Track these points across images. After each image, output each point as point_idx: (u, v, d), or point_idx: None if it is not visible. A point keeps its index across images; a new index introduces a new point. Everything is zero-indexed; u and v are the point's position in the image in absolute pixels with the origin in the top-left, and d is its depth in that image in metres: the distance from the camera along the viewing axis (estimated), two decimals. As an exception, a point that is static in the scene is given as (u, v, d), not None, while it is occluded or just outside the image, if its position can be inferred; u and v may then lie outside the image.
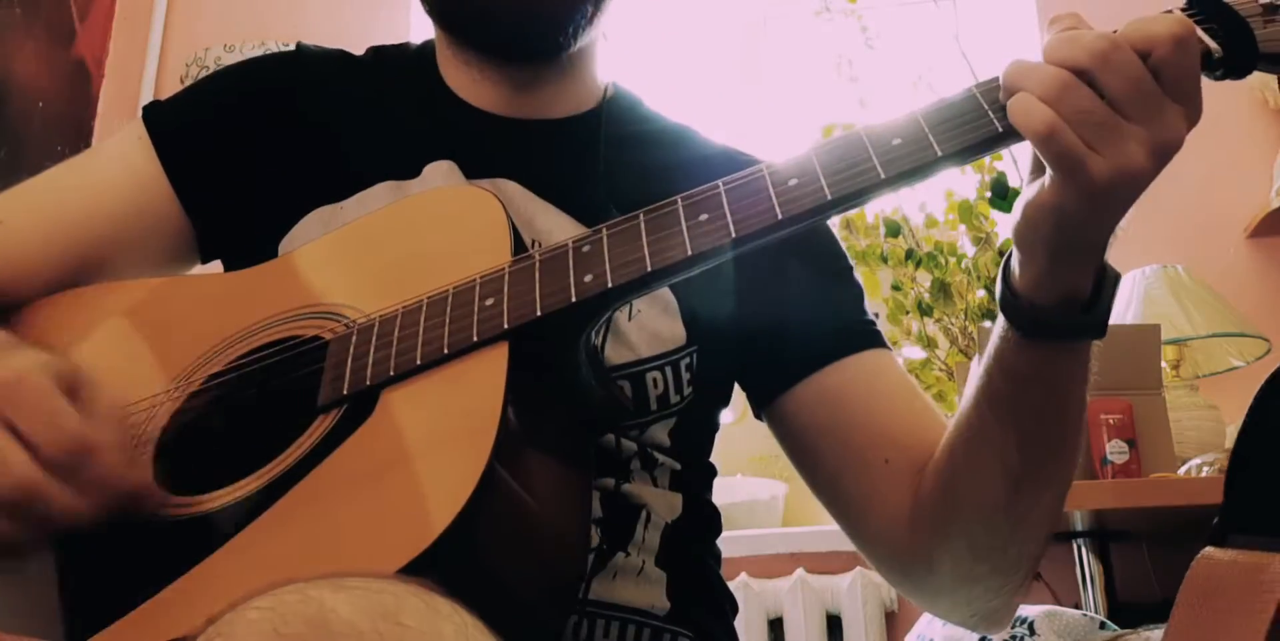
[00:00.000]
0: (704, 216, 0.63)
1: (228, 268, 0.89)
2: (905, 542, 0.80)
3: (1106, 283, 0.65)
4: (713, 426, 0.91)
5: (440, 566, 0.53)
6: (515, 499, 0.59)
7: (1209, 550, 0.56)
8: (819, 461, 0.86)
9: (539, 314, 0.63)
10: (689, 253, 0.62)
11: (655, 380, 0.81)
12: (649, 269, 0.63)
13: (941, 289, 2.18)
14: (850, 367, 0.85)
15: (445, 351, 0.64)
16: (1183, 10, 0.61)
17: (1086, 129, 0.56)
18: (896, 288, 2.26)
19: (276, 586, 0.42)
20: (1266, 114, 2.40)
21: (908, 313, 2.23)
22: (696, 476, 0.88)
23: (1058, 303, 0.64)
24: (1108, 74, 0.56)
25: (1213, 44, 0.59)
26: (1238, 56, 0.60)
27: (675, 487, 0.84)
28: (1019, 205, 0.63)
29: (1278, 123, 2.39)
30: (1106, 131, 0.56)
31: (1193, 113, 0.58)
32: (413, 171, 0.85)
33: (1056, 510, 0.74)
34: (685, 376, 0.83)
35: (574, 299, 0.63)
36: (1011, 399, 0.69)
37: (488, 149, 0.87)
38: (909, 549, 0.80)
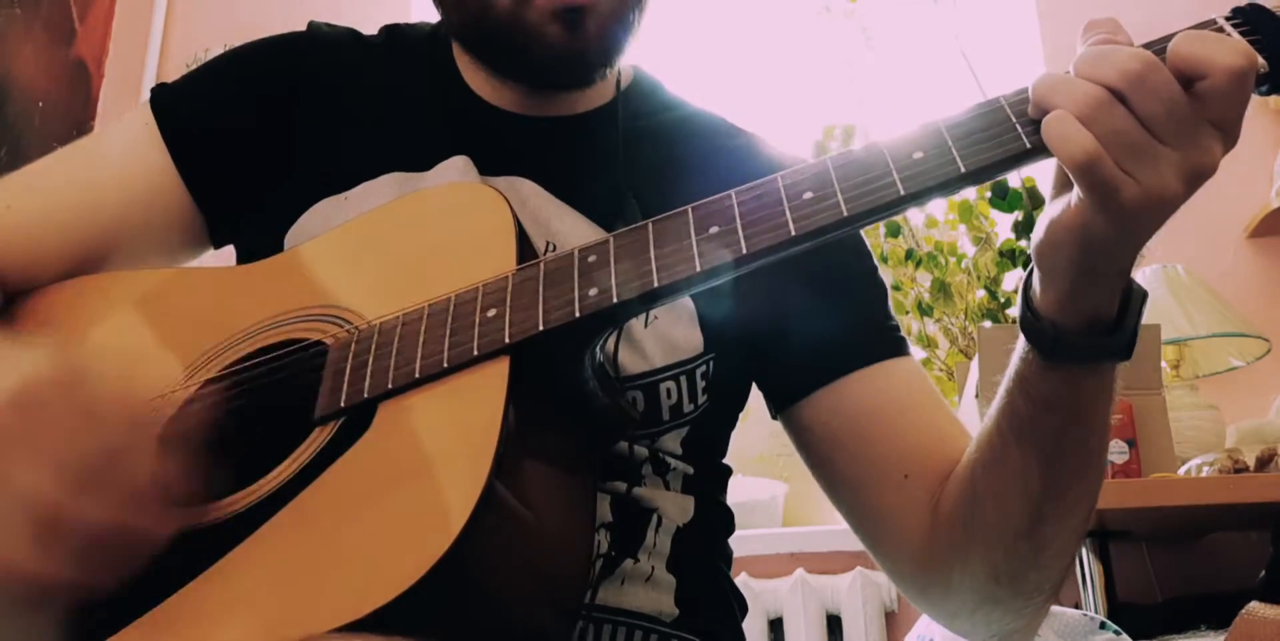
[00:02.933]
0: (714, 229, 0.61)
1: (239, 255, 0.88)
2: (923, 561, 0.78)
3: (1133, 302, 0.62)
4: (728, 428, 0.89)
5: (437, 592, 0.52)
6: (517, 516, 0.58)
7: (1254, 605, 0.55)
8: (836, 471, 0.84)
9: (541, 329, 0.61)
10: (697, 268, 0.60)
11: (669, 390, 0.80)
12: (655, 285, 0.61)
13: (941, 289, 2.18)
14: (872, 377, 0.83)
15: (445, 365, 0.62)
16: (1227, 19, 0.58)
17: (1120, 151, 0.53)
18: (896, 288, 2.26)
19: None
20: (1266, 114, 2.39)
21: (908, 313, 2.23)
22: (710, 478, 0.87)
23: (1082, 324, 0.62)
24: (1141, 96, 0.53)
25: (1260, 58, 0.55)
26: None
27: (688, 491, 0.83)
28: (1041, 223, 0.60)
29: (1278, 123, 2.39)
30: (1140, 154, 0.54)
31: (1230, 140, 0.56)
32: (423, 164, 0.84)
33: (1081, 534, 0.72)
34: (700, 384, 0.81)
35: (578, 314, 0.61)
36: (1033, 422, 0.67)
37: (503, 147, 0.85)
38: (926, 568, 0.78)
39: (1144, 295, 0.63)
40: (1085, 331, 0.62)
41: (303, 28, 0.95)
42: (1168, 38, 0.56)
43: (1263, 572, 0.57)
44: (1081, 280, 0.60)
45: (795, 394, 0.84)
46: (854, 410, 0.82)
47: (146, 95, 0.92)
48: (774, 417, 0.89)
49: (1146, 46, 0.57)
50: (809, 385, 0.83)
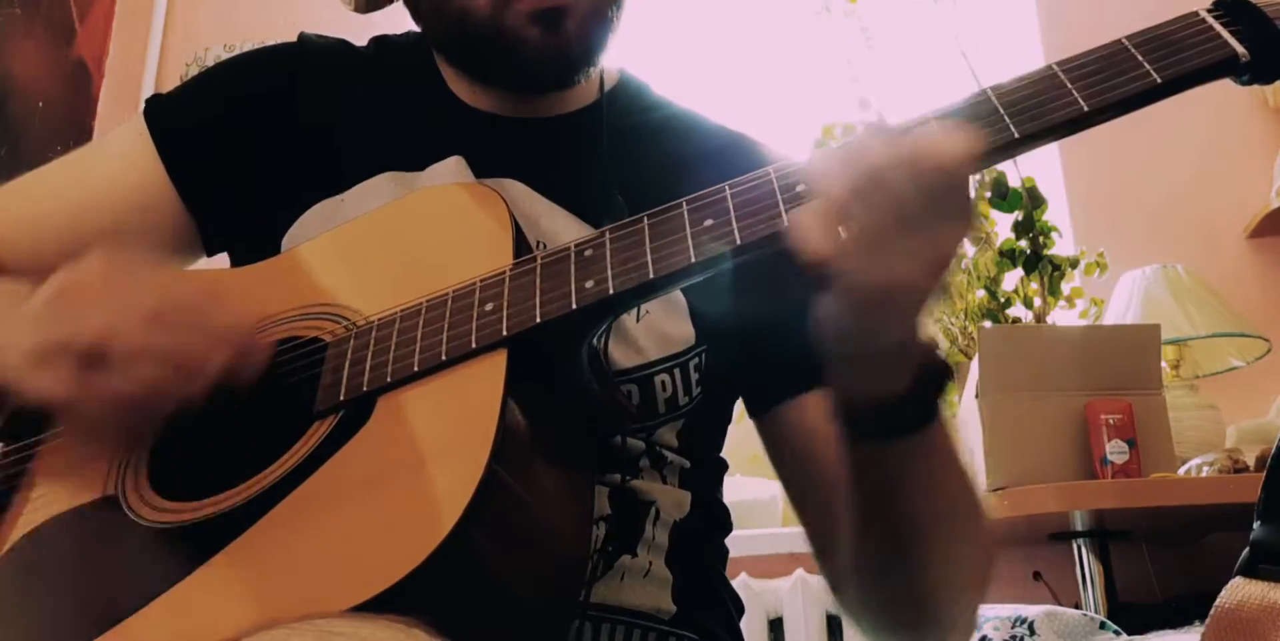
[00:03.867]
0: (709, 221, 0.62)
1: (234, 262, 0.89)
2: (843, 595, 0.81)
3: (928, 378, 0.63)
4: (724, 421, 0.89)
5: (436, 579, 0.53)
6: (514, 507, 0.58)
7: (1238, 580, 0.55)
8: (810, 480, 0.84)
9: (538, 321, 0.62)
10: (693, 259, 0.61)
11: (664, 383, 0.80)
12: (651, 276, 0.61)
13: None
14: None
15: (443, 358, 0.63)
16: (1209, 12, 0.59)
17: (864, 237, 0.56)
18: (897, 287, 2.25)
19: (260, 627, 0.41)
20: (1266, 114, 2.39)
21: (908, 312, 2.23)
22: (706, 473, 0.87)
23: (871, 400, 0.63)
24: (881, 190, 0.56)
25: (1239, 48, 0.57)
26: (1266, 61, 0.58)
27: (684, 485, 0.83)
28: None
29: (1278, 123, 2.39)
30: (884, 241, 0.56)
31: (965, 227, 0.58)
32: (417, 164, 0.85)
33: (959, 597, 0.74)
34: (694, 377, 0.81)
35: (574, 306, 0.62)
36: (850, 484, 0.69)
37: (491, 149, 0.86)
38: (844, 603, 0.82)
39: (943, 371, 0.64)
40: (875, 406, 0.63)
41: (301, 28, 0.96)
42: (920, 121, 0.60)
43: (1246, 549, 0.56)
44: (852, 361, 0.62)
45: (781, 396, 0.84)
46: (811, 430, 0.81)
47: (146, 95, 0.93)
48: (752, 418, 0.88)
49: (903, 127, 0.60)
50: (797, 387, 0.83)
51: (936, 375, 0.64)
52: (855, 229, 0.56)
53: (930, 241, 0.57)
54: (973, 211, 0.58)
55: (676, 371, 0.81)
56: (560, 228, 0.82)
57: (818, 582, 2.12)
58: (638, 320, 0.80)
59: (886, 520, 0.69)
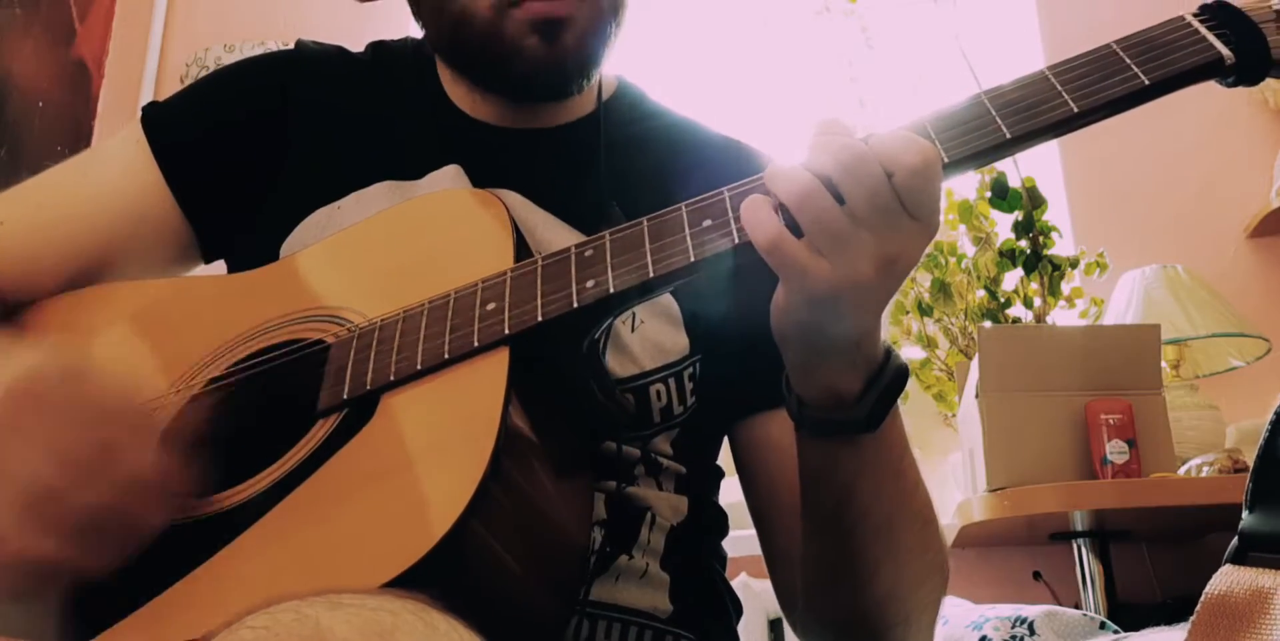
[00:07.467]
0: (707, 222, 0.63)
1: (231, 269, 0.89)
2: (793, 611, 0.82)
3: (881, 379, 0.65)
4: (718, 430, 0.89)
5: (439, 572, 0.53)
6: (514, 503, 0.59)
7: (1227, 568, 0.55)
8: (750, 495, 0.86)
9: (540, 319, 0.63)
10: (691, 259, 0.62)
11: (659, 392, 0.80)
12: (651, 275, 0.62)
13: (941, 289, 2.18)
14: None
15: (446, 356, 0.64)
16: (1195, 16, 0.61)
17: (818, 235, 0.58)
18: (896, 287, 2.25)
19: (272, 602, 0.42)
20: (1266, 114, 2.40)
21: (908, 313, 2.23)
22: (702, 479, 0.87)
23: (822, 398, 0.65)
24: (849, 183, 0.58)
25: (1225, 50, 0.59)
26: (1250, 63, 0.59)
27: (680, 490, 0.84)
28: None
29: (1278, 123, 2.39)
30: (837, 240, 0.58)
31: (929, 229, 0.60)
32: (415, 173, 0.85)
33: (899, 618, 0.74)
34: (689, 386, 0.82)
35: (575, 305, 0.63)
36: (805, 494, 0.70)
37: (488, 159, 0.86)
38: (795, 620, 0.82)
39: (898, 372, 0.65)
40: (827, 405, 0.65)
41: (301, 28, 0.96)
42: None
43: (1235, 538, 0.56)
44: (806, 356, 0.64)
45: (752, 408, 0.84)
46: (776, 447, 0.82)
47: (146, 95, 0.93)
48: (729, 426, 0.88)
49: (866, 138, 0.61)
50: (768, 401, 0.83)
51: (892, 377, 0.65)
52: (806, 225, 0.58)
53: (885, 241, 0.58)
54: (935, 215, 0.60)
55: (671, 381, 0.81)
56: (556, 238, 0.82)
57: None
58: (633, 330, 0.81)
59: (834, 529, 0.70)
